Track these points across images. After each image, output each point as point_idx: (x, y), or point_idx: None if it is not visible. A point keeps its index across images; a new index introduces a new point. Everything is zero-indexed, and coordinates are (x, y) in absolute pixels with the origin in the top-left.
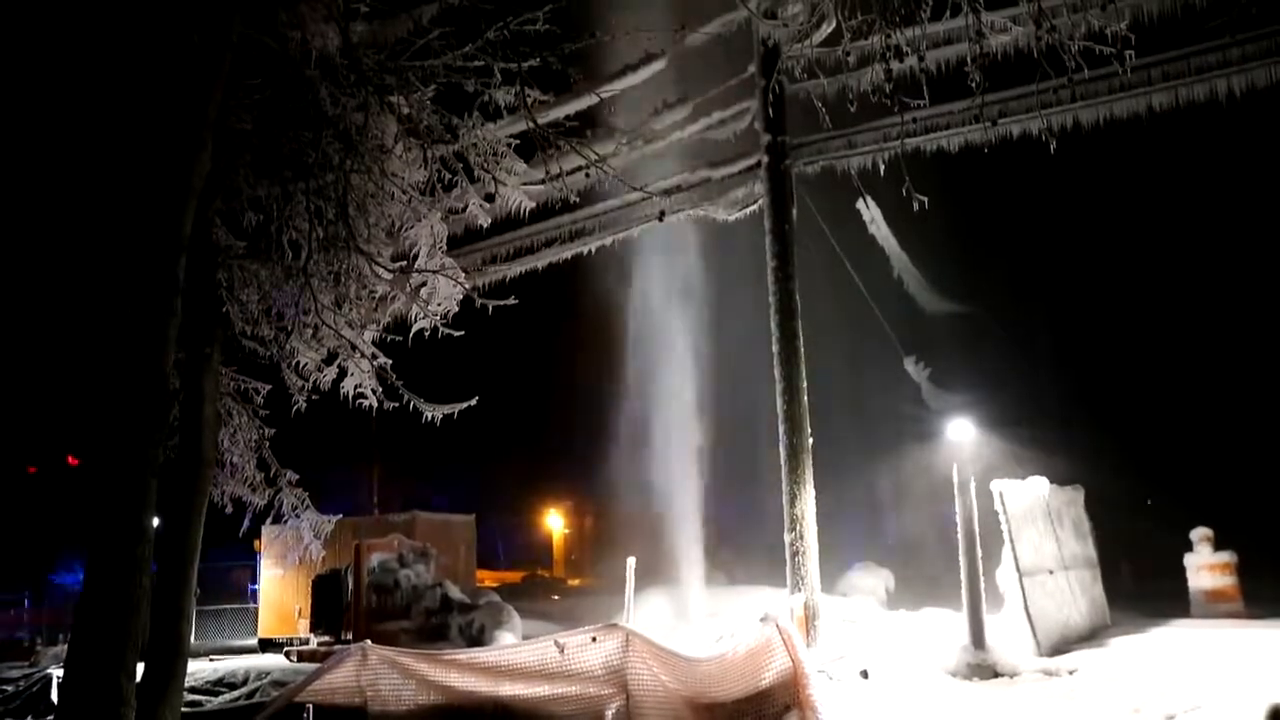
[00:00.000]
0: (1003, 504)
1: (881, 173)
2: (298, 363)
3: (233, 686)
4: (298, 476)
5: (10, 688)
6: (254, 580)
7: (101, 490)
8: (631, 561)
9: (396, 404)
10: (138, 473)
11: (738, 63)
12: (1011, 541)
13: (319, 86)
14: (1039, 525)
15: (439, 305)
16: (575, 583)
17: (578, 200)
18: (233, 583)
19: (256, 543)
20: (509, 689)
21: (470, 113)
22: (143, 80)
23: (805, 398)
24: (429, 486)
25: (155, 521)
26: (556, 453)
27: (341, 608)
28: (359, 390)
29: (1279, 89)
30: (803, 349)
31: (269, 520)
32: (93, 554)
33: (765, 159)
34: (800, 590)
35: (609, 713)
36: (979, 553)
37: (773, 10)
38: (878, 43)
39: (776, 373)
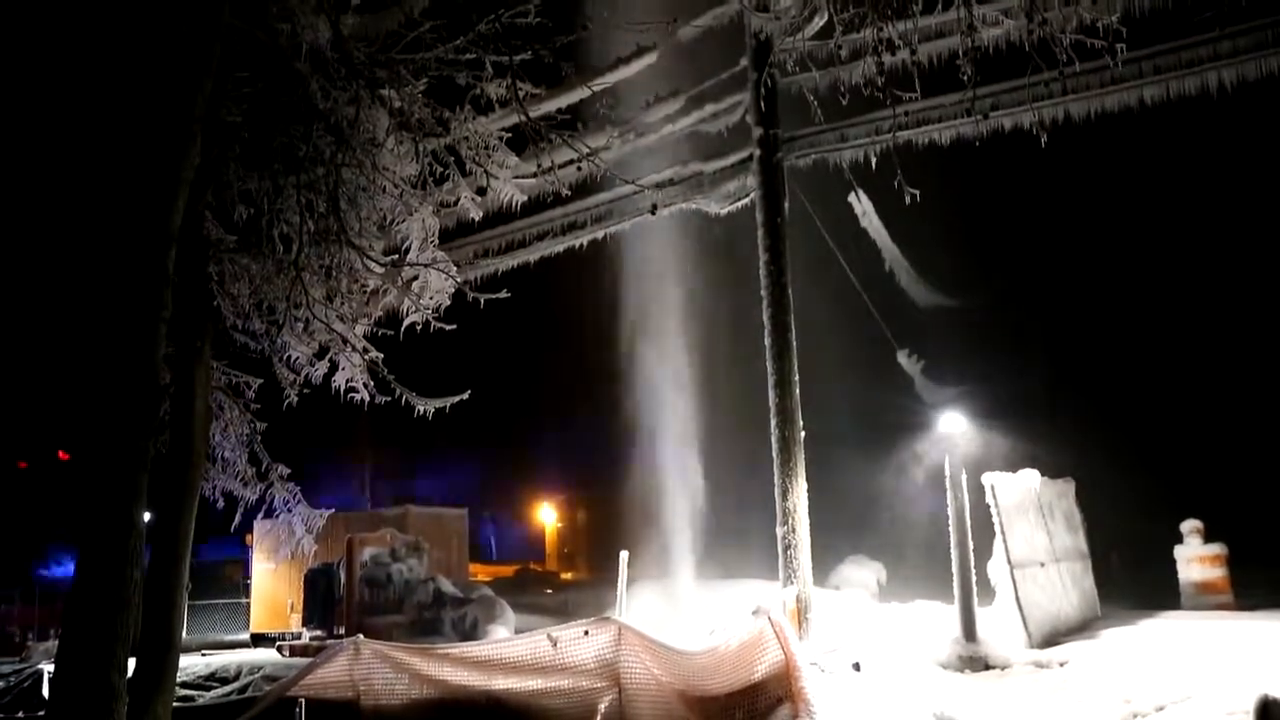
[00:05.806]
0: (994, 497)
1: (873, 166)
2: (289, 357)
3: (225, 681)
4: (289, 471)
5: (1, 683)
6: (246, 574)
7: (92, 485)
8: (624, 555)
9: (388, 398)
10: (129, 467)
11: (730, 56)
12: (1003, 534)
13: (309, 80)
14: (1030, 518)
15: (431, 299)
16: (568, 576)
17: (570, 194)
18: (225, 577)
19: (248, 537)
20: (502, 683)
21: (462, 106)
22: (131, 72)
23: (797, 390)
24: (421, 480)
25: (146, 516)
26: (549, 446)
27: (334, 602)
28: (350, 384)
29: (1269, 82)
30: (795, 341)
31: (261, 515)
32: (84, 549)
33: (757, 152)
34: (792, 583)
35: (602, 706)
36: (970, 545)
37: (765, 4)
38: (870, 36)
39: (769, 365)
